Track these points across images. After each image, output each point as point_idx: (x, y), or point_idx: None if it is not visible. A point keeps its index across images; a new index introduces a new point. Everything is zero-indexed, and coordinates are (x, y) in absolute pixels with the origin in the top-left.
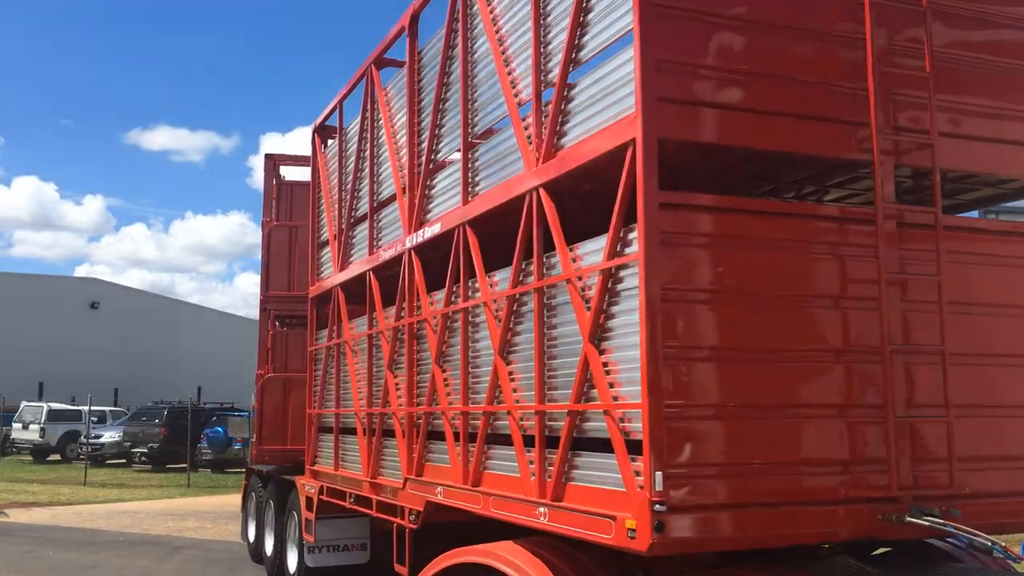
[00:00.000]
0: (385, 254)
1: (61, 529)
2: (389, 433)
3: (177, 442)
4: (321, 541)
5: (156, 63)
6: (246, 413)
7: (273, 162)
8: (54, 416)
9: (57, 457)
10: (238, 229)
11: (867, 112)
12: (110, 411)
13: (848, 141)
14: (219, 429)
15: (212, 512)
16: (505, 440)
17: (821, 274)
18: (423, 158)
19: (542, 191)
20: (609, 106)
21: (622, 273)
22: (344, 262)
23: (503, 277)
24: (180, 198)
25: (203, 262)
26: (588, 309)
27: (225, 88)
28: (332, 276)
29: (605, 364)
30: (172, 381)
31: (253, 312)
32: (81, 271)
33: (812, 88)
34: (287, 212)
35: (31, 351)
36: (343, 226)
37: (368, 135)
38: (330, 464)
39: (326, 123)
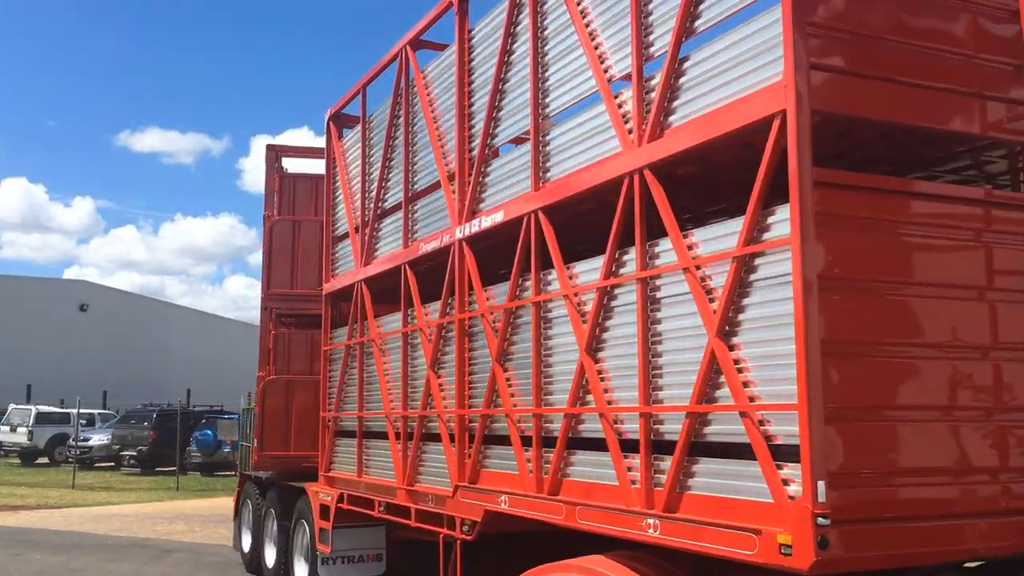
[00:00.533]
0: (426, 246)
1: (49, 532)
2: (431, 437)
3: (166, 445)
4: (336, 552)
5: (146, 64)
6: (236, 416)
7: (275, 153)
8: (42, 419)
9: (45, 460)
10: (228, 231)
11: (1020, 89)
12: (99, 414)
13: (999, 119)
14: (208, 432)
15: (201, 515)
16: (589, 445)
17: (989, 264)
18: (476, 143)
19: (647, 173)
20: (742, 76)
21: (758, 261)
22: (368, 256)
23: (588, 268)
24: (170, 200)
25: (193, 264)
26: (712, 300)
27: (216, 90)
28: (353, 271)
29: (736, 361)
30: (161, 384)
31: (243, 315)
32: (70, 273)
33: (965, 62)
34: (289, 206)
35: (19, 353)
36: (367, 218)
37: (401, 121)
38: (351, 470)
39: (343, 111)
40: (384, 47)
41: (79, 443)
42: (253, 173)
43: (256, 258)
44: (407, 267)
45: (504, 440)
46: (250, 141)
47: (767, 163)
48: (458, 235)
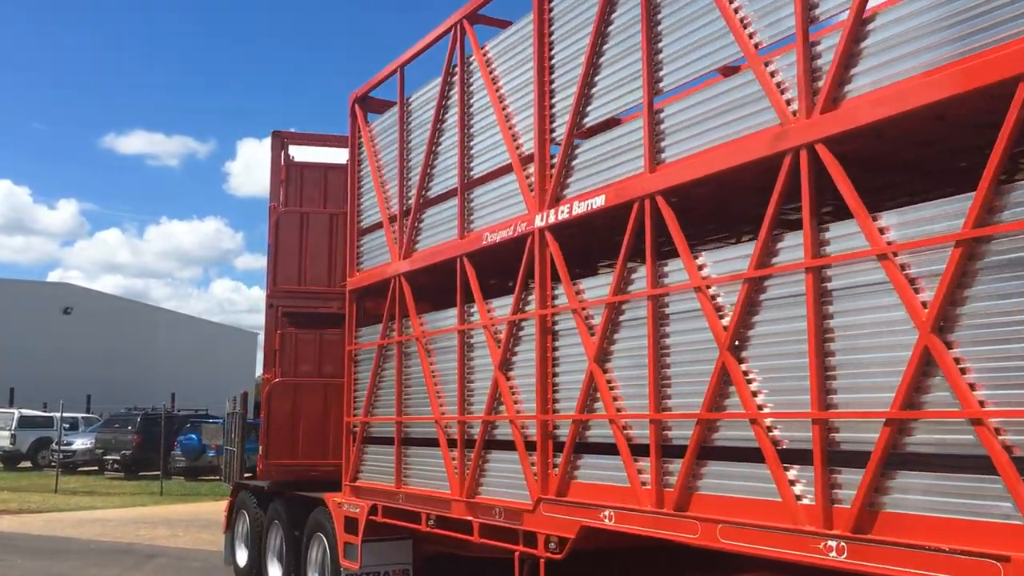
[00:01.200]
0: (492, 236)
1: (31, 537)
2: (498, 445)
3: (150, 449)
4: (364, 568)
5: (131, 67)
6: (221, 420)
7: (280, 140)
8: (25, 423)
9: (28, 464)
10: (214, 235)
11: None
12: (82, 418)
13: None
14: (193, 436)
15: (185, 520)
16: (724, 454)
17: None
18: (565, 120)
19: (821, 147)
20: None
21: (989, 246)
22: (408, 248)
23: (723, 257)
24: (155, 203)
25: (179, 267)
26: (917, 291)
27: (201, 93)
28: (389, 265)
29: (958, 360)
30: (146, 388)
31: (230, 318)
32: (54, 276)
33: None
34: (296, 196)
35: (2, 356)
36: (406, 208)
37: (455, 100)
38: (386, 480)
39: (370, 94)
40: (373, 52)
41: (62, 447)
42: (240, 177)
43: (243, 261)
44: (465, 259)
45: (598, 448)
46: (236, 144)
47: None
48: (539, 223)
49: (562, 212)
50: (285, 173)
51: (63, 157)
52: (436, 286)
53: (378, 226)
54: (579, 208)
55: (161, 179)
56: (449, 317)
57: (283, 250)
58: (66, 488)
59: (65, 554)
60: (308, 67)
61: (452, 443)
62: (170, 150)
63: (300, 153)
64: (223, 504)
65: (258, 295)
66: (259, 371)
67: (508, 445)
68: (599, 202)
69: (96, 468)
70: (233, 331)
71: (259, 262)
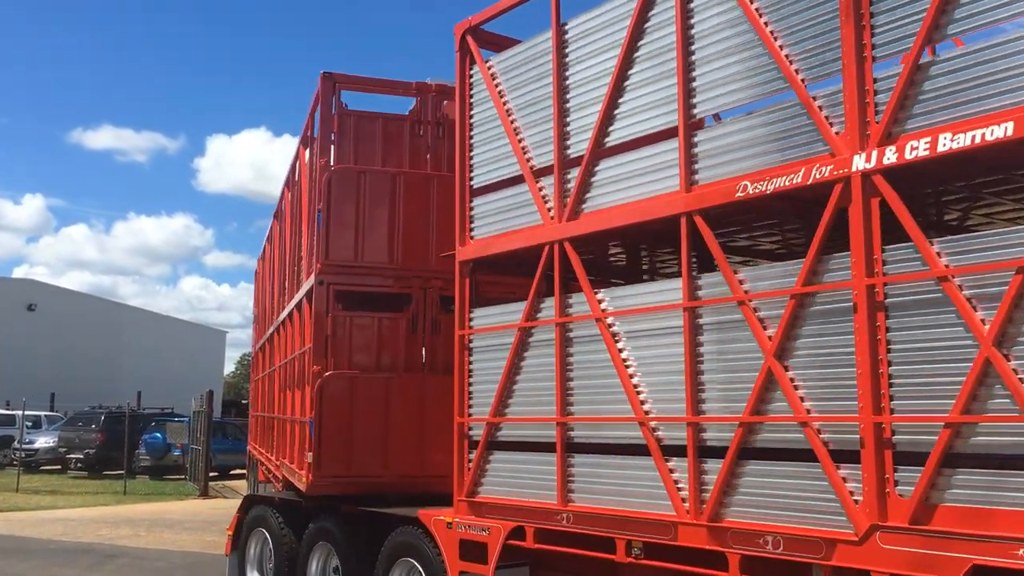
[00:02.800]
0: (760, 186)
1: None
2: (763, 453)
3: (114, 448)
4: None
5: (100, 62)
6: (186, 418)
7: (332, 83)
8: None
9: None
10: (183, 232)
11: None
12: (45, 416)
13: None
14: (158, 435)
15: (148, 520)
16: None
17: None
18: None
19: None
20: None
21: None
22: (574, 208)
23: None
24: (123, 199)
25: (147, 264)
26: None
27: (171, 89)
28: (539, 228)
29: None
30: (112, 386)
31: (199, 316)
32: (19, 272)
33: None
34: (348, 152)
35: None
36: (565, 158)
37: (674, 16)
38: (535, 495)
39: (482, 26)
40: (351, 44)
41: (24, 446)
42: (209, 173)
43: (213, 259)
44: (693, 217)
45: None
46: (206, 140)
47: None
48: (860, 165)
49: (906, 150)
50: (337, 123)
51: (29, 151)
52: (598, 258)
53: (508, 183)
54: (947, 142)
55: (129, 175)
56: (654, 292)
57: (337, 216)
58: (28, 487)
59: (23, 554)
60: (282, 62)
61: (668, 450)
62: (138, 145)
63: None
64: (188, 504)
65: (228, 292)
66: (227, 369)
67: (778, 453)
68: (1005, 131)
69: (59, 467)
70: (202, 329)
71: (229, 259)
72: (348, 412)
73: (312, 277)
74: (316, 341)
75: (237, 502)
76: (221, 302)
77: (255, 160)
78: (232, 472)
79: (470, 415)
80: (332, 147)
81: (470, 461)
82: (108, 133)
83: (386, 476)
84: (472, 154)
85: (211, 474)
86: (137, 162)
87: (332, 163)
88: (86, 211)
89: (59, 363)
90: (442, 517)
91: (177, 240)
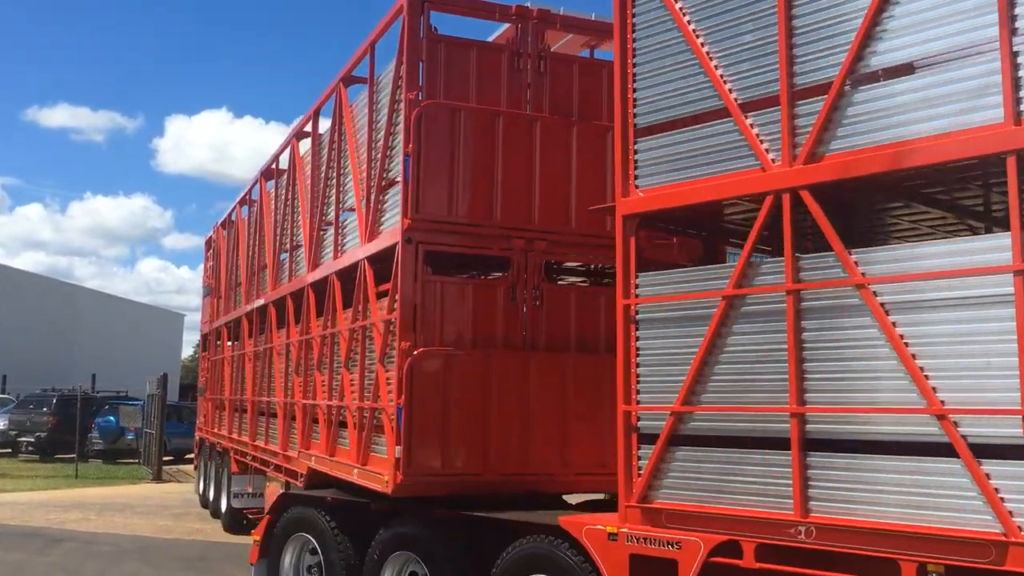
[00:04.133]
0: None
1: None
2: None
3: (66, 431)
4: None
5: (56, 39)
6: (140, 402)
7: (421, 4)
8: None
9: None
10: (142, 213)
11: None
12: None
13: None
14: (111, 418)
15: (99, 504)
16: None
17: None
18: None
19: None
20: None
21: None
22: (812, 149)
23: None
24: (80, 179)
25: (104, 245)
26: None
27: (129, 68)
28: (760, 175)
29: None
30: (67, 369)
31: (156, 299)
32: None
33: None
34: (438, 85)
35: None
36: (798, 87)
37: None
38: (746, 501)
39: None
40: (316, 32)
41: None
42: (168, 154)
43: (172, 240)
44: None
45: None
46: (165, 121)
47: None
48: None
49: None
50: (427, 51)
51: None
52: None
53: (693, 120)
54: None
55: (86, 154)
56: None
57: (429, 162)
58: None
59: None
60: (244, 43)
61: (980, 451)
62: (96, 124)
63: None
64: (141, 488)
65: (187, 275)
66: (185, 353)
67: None
68: None
69: (9, 450)
70: (159, 312)
71: (189, 241)
72: (443, 397)
73: (379, 239)
74: (404, 312)
75: (191, 487)
76: (180, 284)
77: (215, 141)
78: (187, 456)
79: (638, 402)
80: (420, 77)
81: (640, 459)
82: (64, 111)
83: (486, 474)
84: (636, 87)
85: (165, 458)
86: (94, 141)
87: (420, 97)
88: (41, 190)
89: (12, 345)
90: (601, 526)
91: (135, 221)
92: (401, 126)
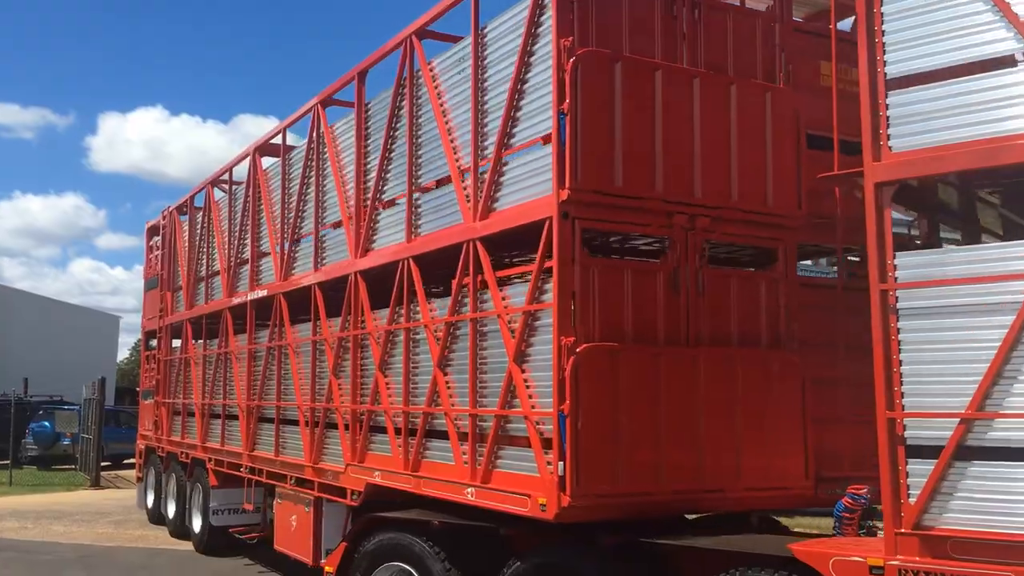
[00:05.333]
0: None
1: None
2: None
3: None
4: None
5: None
6: (76, 407)
7: None
8: None
9: None
10: (74, 212)
11: None
12: None
13: None
14: (46, 424)
15: (35, 511)
16: None
17: None
18: None
19: None
20: None
21: None
22: None
23: None
24: (8, 177)
25: (34, 246)
26: None
27: (61, 63)
28: None
29: None
30: None
31: (90, 300)
32: None
33: None
34: (589, 33)
35: None
36: None
37: None
38: None
39: None
40: (254, 29)
41: None
42: (101, 152)
43: (106, 241)
44: None
45: None
46: (98, 118)
47: None
48: None
49: None
50: None
51: None
52: None
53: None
54: None
55: (15, 152)
56: None
57: (588, 122)
58: None
59: None
60: (179, 41)
61: None
62: (25, 122)
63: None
64: (78, 495)
65: (122, 276)
66: (121, 356)
67: None
68: None
69: None
70: (93, 314)
71: (123, 242)
72: (611, 401)
73: (501, 216)
74: (562, 301)
75: (132, 492)
76: (115, 286)
77: (151, 139)
78: (125, 462)
79: (903, 407)
80: (573, 21)
81: (911, 475)
82: None
83: (657, 493)
84: (885, 28)
85: (103, 464)
86: (24, 139)
87: (574, 44)
88: None
89: None
90: (858, 558)
91: (67, 221)
92: (531, 83)
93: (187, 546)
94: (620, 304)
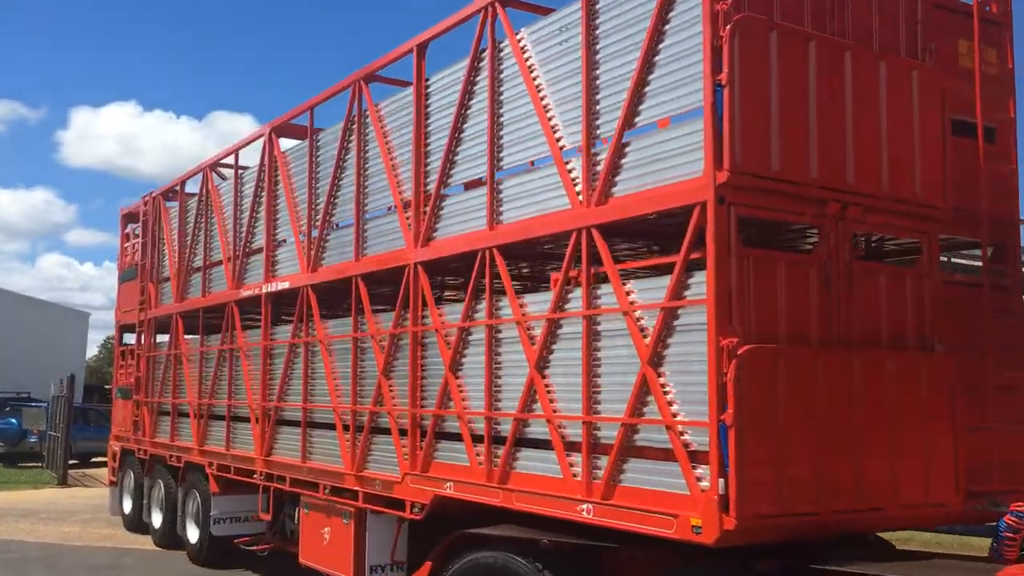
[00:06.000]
0: None
1: None
2: None
3: None
4: None
5: None
6: (44, 404)
7: None
8: None
9: None
10: (43, 207)
11: None
12: None
13: None
14: (12, 420)
15: (0, 509)
16: None
17: None
18: None
19: None
20: None
21: None
22: None
23: None
24: None
25: (2, 240)
26: None
27: (34, 56)
28: None
29: None
30: None
31: (59, 296)
32: None
33: None
34: None
35: None
36: None
37: None
38: None
39: None
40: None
41: None
42: (73, 147)
43: (76, 236)
44: None
45: None
46: (69, 112)
47: None
48: None
49: None
50: None
51: None
52: None
53: None
54: None
55: None
56: None
57: (746, 96)
58: None
59: None
60: (155, 36)
61: None
62: None
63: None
64: (45, 493)
65: (92, 272)
66: (90, 353)
67: None
68: None
69: None
70: (62, 310)
71: (94, 237)
72: (773, 411)
73: (625, 201)
74: (719, 297)
75: (100, 491)
76: (84, 282)
77: (123, 134)
78: (93, 460)
79: None
80: None
81: None
82: None
83: (821, 512)
84: None
85: (71, 462)
86: None
87: (728, 7)
88: None
89: None
90: None
91: (36, 216)
92: (666, 54)
93: (146, 544)
94: (774, 301)
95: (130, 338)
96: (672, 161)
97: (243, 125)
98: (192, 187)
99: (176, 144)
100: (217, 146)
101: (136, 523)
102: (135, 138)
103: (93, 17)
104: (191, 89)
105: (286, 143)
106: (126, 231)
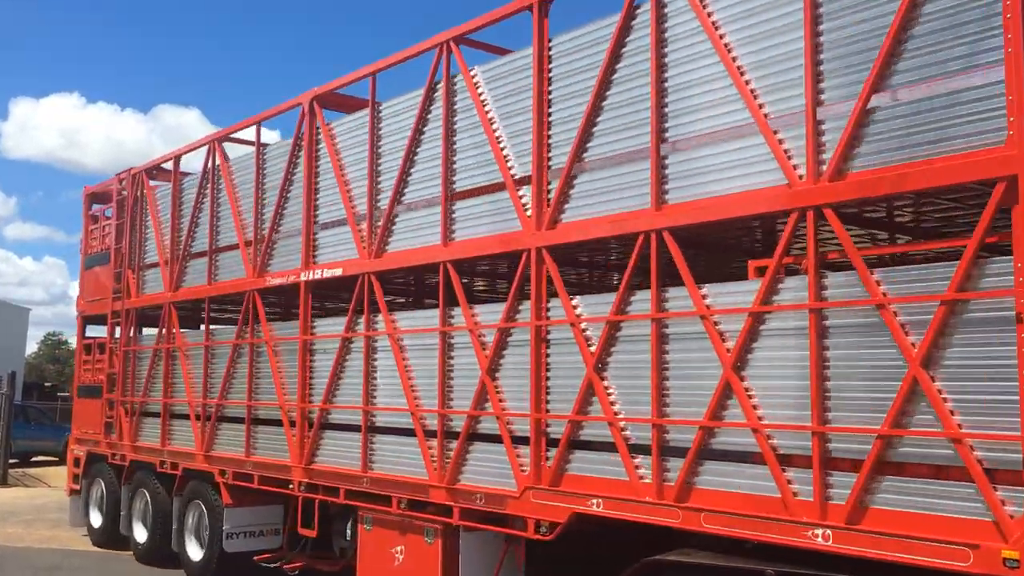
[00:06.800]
0: None
1: None
2: None
3: None
4: None
5: None
6: None
7: None
8: None
9: None
10: None
11: None
12: None
13: None
14: None
15: None
16: None
17: None
18: None
19: None
20: None
21: None
22: None
23: None
24: None
25: None
26: None
27: None
28: None
29: None
30: None
31: (2, 291)
32: None
33: None
34: None
35: None
36: None
37: None
38: None
39: None
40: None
41: None
42: (12, 138)
43: (15, 230)
44: None
45: None
46: (8, 103)
47: None
48: None
49: None
50: None
51: None
52: None
53: None
54: None
55: None
56: None
57: None
58: None
59: None
60: (98, 26)
61: None
62: None
63: None
64: None
65: (30, 266)
66: (30, 349)
67: None
68: None
69: None
70: (1, 305)
71: (34, 231)
72: None
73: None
74: None
75: (42, 491)
76: (23, 277)
77: (65, 126)
78: (34, 459)
79: None
80: None
81: None
82: None
83: None
84: None
85: (11, 461)
86: None
87: None
88: None
89: None
90: None
91: None
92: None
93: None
94: None
95: (97, 331)
96: (961, 129)
97: (190, 119)
98: (185, 166)
99: (120, 137)
100: (163, 140)
101: (108, 537)
102: (78, 130)
103: (33, 7)
104: (136, 80)
105: (329, 115)
106: (91, 212)
